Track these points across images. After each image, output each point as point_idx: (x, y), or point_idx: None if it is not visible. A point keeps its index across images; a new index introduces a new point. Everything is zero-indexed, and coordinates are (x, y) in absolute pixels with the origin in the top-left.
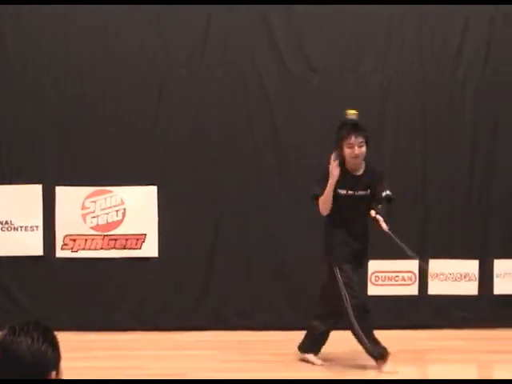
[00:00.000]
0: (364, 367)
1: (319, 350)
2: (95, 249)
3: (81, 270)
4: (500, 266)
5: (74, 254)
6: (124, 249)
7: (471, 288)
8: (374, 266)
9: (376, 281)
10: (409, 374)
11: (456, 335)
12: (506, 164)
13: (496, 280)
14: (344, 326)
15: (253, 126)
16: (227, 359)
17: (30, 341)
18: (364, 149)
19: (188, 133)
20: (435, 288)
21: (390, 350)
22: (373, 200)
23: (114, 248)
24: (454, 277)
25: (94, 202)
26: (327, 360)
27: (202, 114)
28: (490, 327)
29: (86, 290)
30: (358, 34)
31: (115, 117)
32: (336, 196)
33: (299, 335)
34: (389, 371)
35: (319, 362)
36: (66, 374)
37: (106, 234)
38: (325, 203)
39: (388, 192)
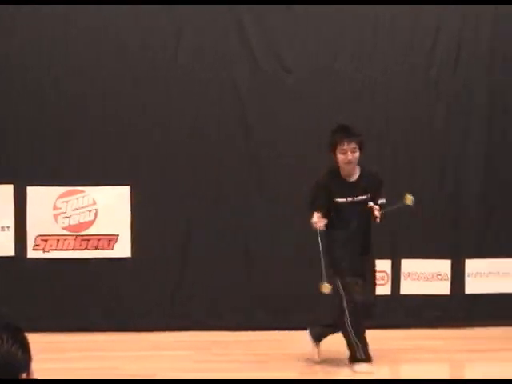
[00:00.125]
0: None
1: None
2: (67, 249)
3: (53, 270)
4: (471, 265)
5: (45, 254)
6: (96, 249)
7: (443, 287)
8: None
9: None
10: (383, 374)
11: (429, 335)
12: (477, 164)
13: (468, 279)
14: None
15: (225, 125)
16: (201, 359)
17: None
18: (357, 154)
19: (160, 133)
20: (407, 288)
21: None
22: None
23: (87, 248)
24: (426, 276)
25: (66, 202)
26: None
27: (175, 113)
28: (463, 326)
29: (58, 291)
30: (331, 33)
31: (86, 117)
32: (335, 205)
33: (272, 335)
34: (363, 371)
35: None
36: (39, 376)
37: (78, 234)
38: (314, 225)
39: (383, 200)
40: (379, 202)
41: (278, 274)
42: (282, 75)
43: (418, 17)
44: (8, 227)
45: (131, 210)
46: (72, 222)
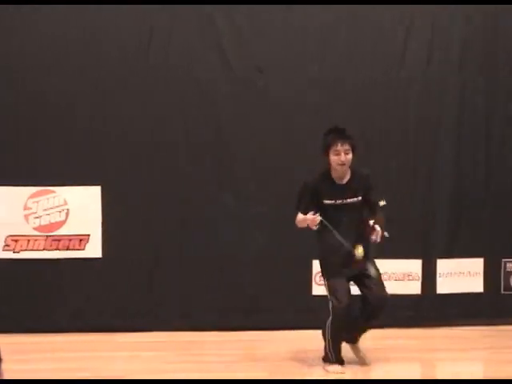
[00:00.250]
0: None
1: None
2: (38, 249)
3: (23, 271)
4: (443, 265)
5: (16, 254)
6: (67, 249)
7: (415, 287)
8: (317, 266)
9: (320, 280)
10: (354, 374)
11: (401, 334)
12: (448, 165)
13: (439, 280)
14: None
15: (196, 125)
16: (169, 360)
17: None
18: (350, 156)
19: (131, 133)
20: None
21: None
22: (365, 206)
23: (57, 249)
24: (397, 276)
25: (37, 202)
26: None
27: (145, 114)
28: (434, 326)
29: (28, 292)
30: (302, 35)
31: (58, 116)
32: (323, 207)
33: (240, 335)
34: (335, 371)
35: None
36: (8, 377)
37: (48, 234)
38: (300, 227)
39: (384, 202)
40: (380, 204)
41: (250, 274)
42: (254, 76)
43: (388, 17)
44: None
45: (102, 210)
46: (43, 223)
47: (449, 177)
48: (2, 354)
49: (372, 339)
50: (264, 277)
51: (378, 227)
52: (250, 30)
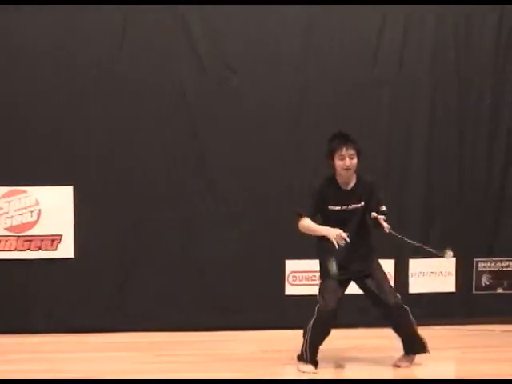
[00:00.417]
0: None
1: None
2: (9, 250)
3: None
4: (415, 265)
5: None
6: (39, 250)
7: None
8: (290, 266)
9: (293, 281)
10: (326, 374)
11: (372, 334)
12: (421, 164)
13: (411, 279)
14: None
15: (170, 125)
16: (140, 361)
17: None
18: (355, 161)
19: (103, 133)
20: (352, 287)
21: None
22: (368, 209)
23: (29, 249)
24: None
25: (8, 202)
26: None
27: (118, 114)
28: None
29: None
30: (274, 33)
31: (29, 117)
32: (327, 212)
33: (212, 336)
34: (307, 371)
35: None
36: None
37: (20, 234)
38: (306, 232)
39: (384, 208)
40: (381, 209)
41: (223, 274)
42: (227, 76)
43: (361, 16)
44: None
45: (74, 211)
46: (14, 223)
47: (421, 177)
48: None
49: (343, 339)
50: (237, 277)
51: (375, 214)
52: (223, 30)
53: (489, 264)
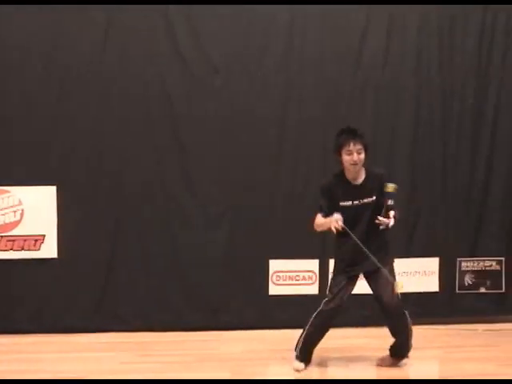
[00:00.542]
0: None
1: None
2: None
3: None
4: (399, 264)
5: None
6: (22, 250)
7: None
8: (274, 265)
9: (277, 280)
10: (309, 374)
11: (357, 333)
12: (404, 164)
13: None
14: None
15: (153, 125)
16: (127, 361)
17: None
18: (363, 156)
19: (87, 133)
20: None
21: (291, 348)
22: (379, 203)
23: (12, 249)
24: None
25: None
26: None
27: (103, 113)
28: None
29: None
30: (258, 34)
31: (12, 116)
32: (339, 209)
33: (198, 336)
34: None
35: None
36: None
37: (3, 234)
38: (318, 229)
39: (391, 202)
40: (388, 203)
41: (207, 274)
42: (211, 76)
43: (345, 16)
44: None
45: (58, 211)
46: None
47: (405, 177)
48: None
49: (329, 338)
50: (221, 277)
51: (379, 220)
52: (206, 30)
53: (472, 264)
